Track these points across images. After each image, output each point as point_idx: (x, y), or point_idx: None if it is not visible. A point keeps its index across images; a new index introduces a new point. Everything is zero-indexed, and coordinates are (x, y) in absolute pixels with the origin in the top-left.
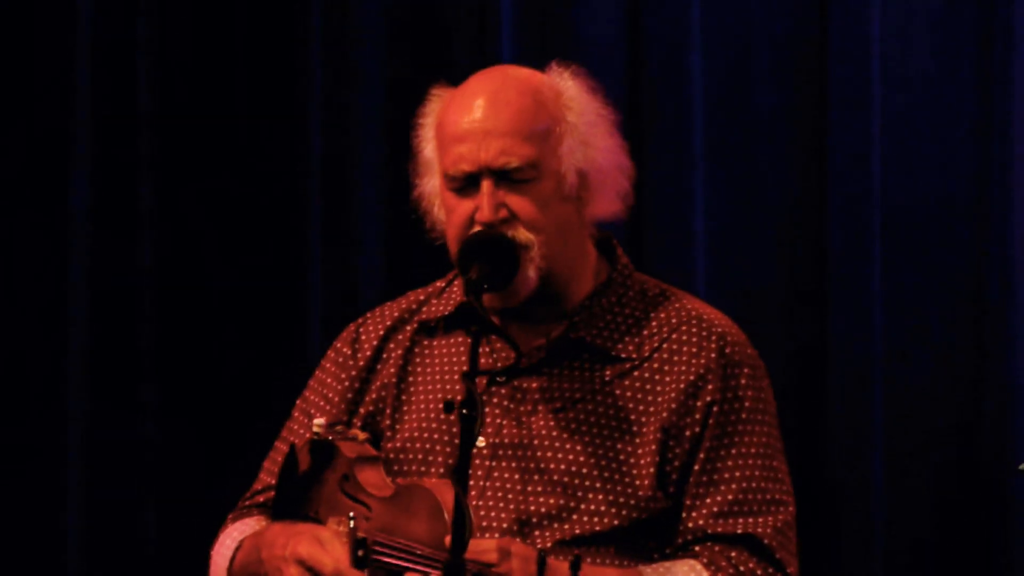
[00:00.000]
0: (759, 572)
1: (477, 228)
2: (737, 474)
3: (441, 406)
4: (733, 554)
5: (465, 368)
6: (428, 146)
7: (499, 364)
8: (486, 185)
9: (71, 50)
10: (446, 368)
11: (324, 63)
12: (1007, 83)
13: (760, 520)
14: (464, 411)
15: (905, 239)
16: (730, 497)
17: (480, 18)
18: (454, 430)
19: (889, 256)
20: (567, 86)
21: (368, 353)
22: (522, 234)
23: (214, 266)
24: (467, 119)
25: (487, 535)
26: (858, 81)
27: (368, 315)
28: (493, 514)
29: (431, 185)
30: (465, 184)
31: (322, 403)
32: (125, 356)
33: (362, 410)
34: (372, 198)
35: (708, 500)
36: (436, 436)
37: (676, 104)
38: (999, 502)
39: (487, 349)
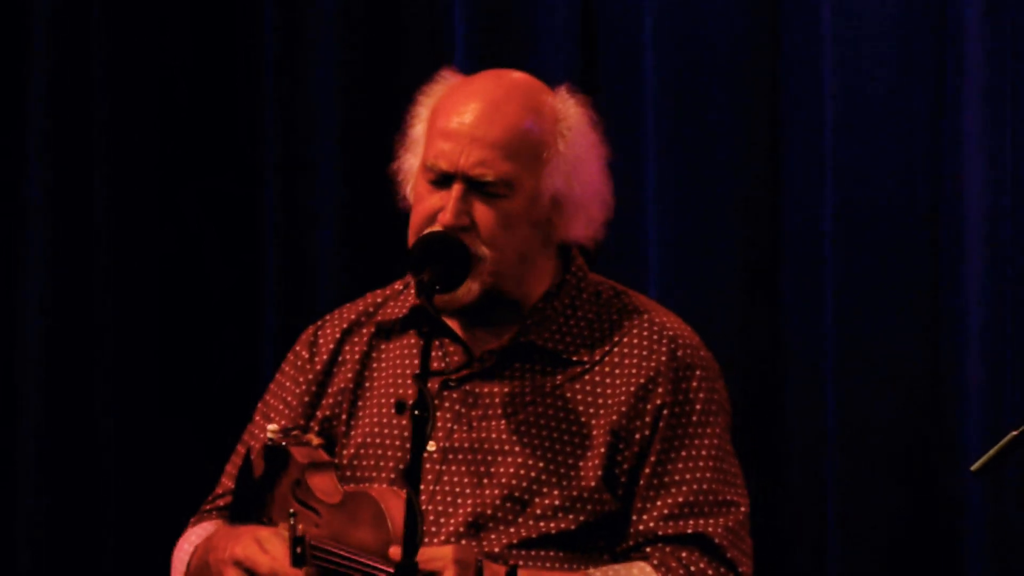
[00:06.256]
0: (710, 572)
1: (436, 227)
2: (688, 476)
3: (392, 409)
4: (684, 554)
5: (418, 370)
6: (419, 126)
7: (452, 367)
8: (456, 189)
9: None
10: (399, 371)
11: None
12: (960, 80)
13: (712, 521)
14: (416, 412)
15: (857, 238)
16: (680, 500)
17: (432, 9)
18: (405, 434)
19: (841, 255)
20: (569, 113)
21: (325, 356)
22: (477, 246)
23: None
24: (459, 118)
25: (435, 540)
26: (810, 79)
27: (327, 317)
28: (443, 519)
29: (410, 164)
30: (439, 179)
31: (281, 407)
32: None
33: (319, 414)
34: (329, 178)
35: (659, 503)
36: (388, 441)
37: (629, 102)
38: (952, 498)
39: (439, 353)
